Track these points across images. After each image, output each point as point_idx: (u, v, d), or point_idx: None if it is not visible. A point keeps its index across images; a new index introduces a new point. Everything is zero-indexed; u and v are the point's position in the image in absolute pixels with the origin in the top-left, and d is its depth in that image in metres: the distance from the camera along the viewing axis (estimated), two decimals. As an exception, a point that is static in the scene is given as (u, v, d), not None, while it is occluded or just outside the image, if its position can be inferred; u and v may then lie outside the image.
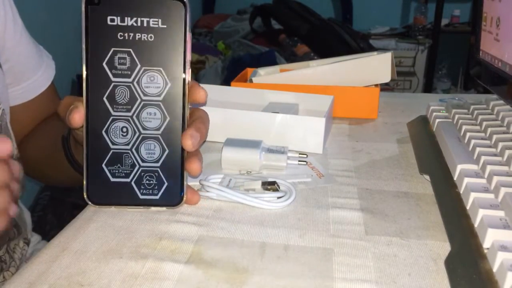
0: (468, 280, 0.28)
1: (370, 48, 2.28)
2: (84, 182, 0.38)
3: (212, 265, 0.33)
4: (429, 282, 0.31)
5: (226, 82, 1.88)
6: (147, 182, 0.39)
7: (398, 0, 2.97)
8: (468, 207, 0.35)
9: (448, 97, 0.71)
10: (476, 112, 0.51)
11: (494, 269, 0.28)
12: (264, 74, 0.74)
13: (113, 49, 0.37)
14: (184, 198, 0.39)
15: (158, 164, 0.38)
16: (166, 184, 0.39)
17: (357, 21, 2.81)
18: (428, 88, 2.50)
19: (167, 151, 0.38)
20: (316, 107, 0.61)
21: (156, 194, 0.39)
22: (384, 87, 1.00)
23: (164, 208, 0.39)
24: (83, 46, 0.37)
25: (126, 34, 0.37)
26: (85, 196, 0.39)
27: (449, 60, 2.68)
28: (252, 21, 2.46)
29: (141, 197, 0.39)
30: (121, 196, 0.39)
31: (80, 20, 0.36)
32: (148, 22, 0.37)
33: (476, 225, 0.33)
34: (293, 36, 2.26)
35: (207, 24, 2.74)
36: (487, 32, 0.54)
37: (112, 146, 0.38)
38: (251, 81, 0.69)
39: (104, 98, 0.37)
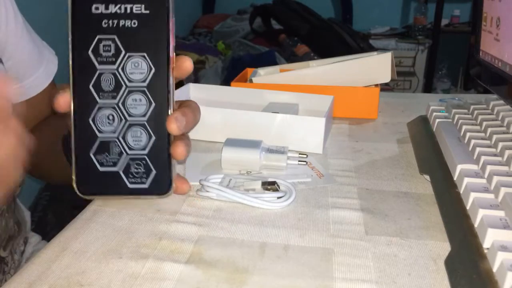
0: (468, 280, 0.28)
1: (370, 48, 2.28)
2: (73, 172, 0.38)
3: (212, 265, 0.33)
4: (429, 282, 0.31)
5: (226, 82, 1.88)
6: (135, 170, 0.38)
7: (398, 0, 2.97)
8: (468, 207, 0.35)
9: (448, 97, 0.71)
10: (476, 112, 0.51)
11: (494, 269, 0.28)
12: (264, 74, 0.74)
13: (98, 36, 0.37)
14: (173, 186, 0.39)
15: (146, 152, 0.38)
16: (154, 172, 0.38)
17: (357, 21, 2.81)
18: (428, 88, 2.50)
19: (153, 138, 0.38)
20: (316, 107, 0.61)
21: (145, 183, 0.38)
22: (384, 87, 1.00)
23: (153, 197, 0.39)
24: (69, 34, 0.37)
25: (110, 21, 0.37)
26: (74, 186, 0.38)
27: (449, 60, 2.68)
28: (252, 21, 2.46)
29: (130, 186, 0.38)
30: (110, 185, 0.38)
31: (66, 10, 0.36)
32: (131, 8, 0.37)
33: (476, 225, 0.33)
34: (293, 36, 2.26)
35: (207, 24, 2.74)
36: (487, 32, 0.54)
37: (99, 135, 0.38)
38: (251, 81, 0.69)
39: (90, 86, 0.37)
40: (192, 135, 0.54)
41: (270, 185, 0.42)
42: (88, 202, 0.41)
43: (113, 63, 0.37)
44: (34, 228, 0.69)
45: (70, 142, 0.38)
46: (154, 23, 0.37)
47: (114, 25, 0.37)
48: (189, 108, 0.39)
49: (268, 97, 0.63)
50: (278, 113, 0.54)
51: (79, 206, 0.41)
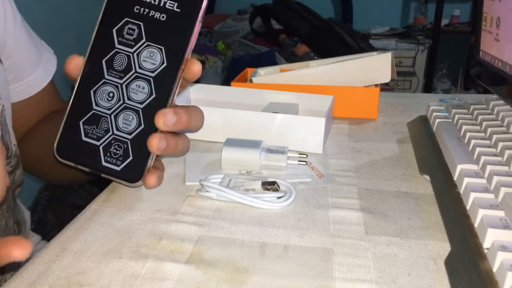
0: (468, 280, 0.28)
1: (370, 48, 2.28)
2: (58, 134, 0.39)
3: (212, 265, 0.33)
4: (429, 282, 0.31)
5: (226, 82, 1.88)
6: (114, 151, 0.39)
7: (398, 0, 2.97)
8: (468, 207, 0.35)
9: (448, 97, 0.71)
10: (476, 112, 0.51)
11: (494, 269, 0.28)
12: (264, 74, 0.74)
13: (126, 19, 0.39)
14: (142, 179, 0.39)
15: (130, 137, 0.39)
16: (130, 158, 0.39)
17: (357, 21, 2.81)
18: (428, 88, 2.50)
19: (142, 126, 0.39)
20: (316, 107, 0.61)
21: (118, 165, 0.39)
22: (384, 87, 1.00)
23: (122, 182, 0.39)
24: (102, 9, 0.39)
25: (142, 9, 0.39)
26: (54, 147, 0.39)
27: (449, 60, 2.68)
28: (252, 21, 2.45)
29: (104, 163, 0.39)
30: (86, 156, 0.39)
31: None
32: (165, 2, 0.38)
33: (476, 225, 0.33)
34: (293, 36, 2.26)
35: (207, 24, 2.73)
36: (487, 32, 0.54)
37: (94, 107, 0.39)
38: (251, 81, 0.69)
39: (103, 61, 0.39)
40: (192, 135, 0.54)
41: (270, 185, 0.42)
42: (88, 202, 0.42)
43: (132, 46, 0.39)
44: (34, 228, 0.69)
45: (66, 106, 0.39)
46: (181, 23, 0.38)
47: (144, 13, 0.39)
48: (185, 109, 0.39)
49: (268, 97, 0.63)
50: (278, 113, 0.54)
51: (79, 206, 0.41)
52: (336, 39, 2.16)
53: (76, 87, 0.39)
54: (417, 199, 0.42)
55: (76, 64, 0.39)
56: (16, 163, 0.55)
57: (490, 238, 0.30)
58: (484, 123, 0.47)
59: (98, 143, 0.39)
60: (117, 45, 0.39)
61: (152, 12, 0.38)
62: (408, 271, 0.32)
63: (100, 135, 0.39)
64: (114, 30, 0.39)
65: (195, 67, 0.39)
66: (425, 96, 0.86)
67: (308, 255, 0.34)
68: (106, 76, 0.39)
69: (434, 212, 0.40)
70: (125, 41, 0.39)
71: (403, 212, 0.40)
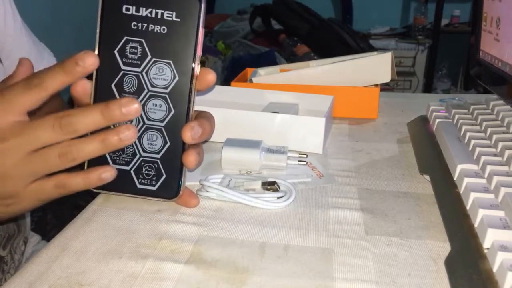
0: (468, 280, 0.28)
1: (370, 48, 2.28)
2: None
3: (212, 265, 0.33)
4: (429, 282, 0.31)
5: (226, 82, 1.88)
6: (146, 172, 0.39)
7: (398, 0, 2.97)
8: (468, 207, 0.35)
9: (448, 97, 0.71)
10: (476, 112, 0.51)
11: (494, 269, 0.28)
12: (264, 74, 0.74)
13: (125, 37, 0.37)
14: (181, 192, 0.39)
15: (159, 156, 0.39)
16: (164, 176, 0.39)
17: (357, 21, 2.81)
18: (428, 88, 2.50)
19: (168, 144, 0.38)
20: (316, 107, 0.61)
21: (154, 185, 0.39)
22: (384, 87, 1.00)
23: (160, 200, 0.40)
24: (97, 31, 0.37)
25: (139, 24, 0.37)
26: None
27: (449, 60, 2.68)
28: (252, 21, 2.46)
29: (139, 186, 0.39)
30: (120, 183, 0.39)
31: (96, 8, 0.36)
32: (162, 14, 0.37)
33: (476, 225, 0.33)
34: (293, 36, 2.26)
35: (207, 24, 2.72)
36: (487, 32, 0.54)
37: None
38: (251, 81, 0.69)
39: (113, 86, 0.38)
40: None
41: (270, 185, 0.42)
42: (88, 202, 0.42)
43: (138, 66, 0.37)
44: (34, 228, 0.69)
45: None
46: (183, 32, 0.37)
47: (143, 28, 0.37)
48: (207, 119, 0.39)
49: (268, 97, 0.63)
50: (278, 113, 0.54)
51: (79, 206, 0.41)
52: (336, 39, 2.16)
53: None
54: (417, 199, 0.42)
55: (83, 88, 0.37)
56: None
57: (490, 238, 0.30)
58: (484, 123, 0.47)
59: (128, 168, 0.38)
60: (122, 67, 0.37)
61: (152, 26, 0.37)
62: (408, 271, 0.32)
63: (128, 159, 0.38)
64: (116, 52, 0.37)
65: (209, 76, 0.38)
66: (425, 96, 0.86)
67: (308, 255, 0.34)
68: None
69: (434, 212, 0.40)
70: (130, 61, 0.37)
71: (403, 212, 0.40)
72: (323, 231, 0.37)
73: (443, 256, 0.33)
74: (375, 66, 0.68)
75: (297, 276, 0.32)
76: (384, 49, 2.34)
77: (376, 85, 0.68)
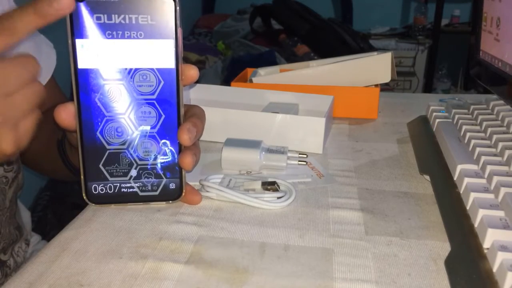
0: (468, 280, 0.28)
1: (370, 48, 2.28)
2: (82, 183, 0.38)
3: (212, 265, 0.33)
4: (429, 282, 0.31)
5: (226, 82, 1.88)
6: (146, 179, 0.39)
7: (398, 0, 2.97)
8: (468, 207, 0.35)
9: (448, 97, 0.71)
10: (476, 112, 0.51)
11: (494, 269, 0.28)
12: (264, 74, 0.74)
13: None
14: (183, 193, 0.39)
15: (156, 161, 0.38)
16: (164, 180, 0.39)
17: (357, 21, 2.81)
18: (428, 88, 2.50)
19: (164, 148, 0.38)
20: (316, 107, 0.61)
21: (156, 190, 0.39)
22: (384, 87, 1.00)
23: (163, 203, 0.40)
24: (69, 44, 0.35)
25: (114, 33, 0.35)
26: (84, 196, 0.38)
27: (449, 60, 2.68)
28: (252, 21, 2.45)
29: (141, 194, 0.39)
30: (121, 195, 0.39)
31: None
32: (136, 18, 0.35)
33: (476, 225, 0.33)
34: (293, 36, 2.26)
35: (207, 24, 2.73)
36: (487, 32, 0.54)
37: (108, 147, 0.38)
38: (251, 81, 0.69)
39: (96, 99, 0.36)
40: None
41: (270, 185, 0.42)
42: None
43: (120, 75, 0.36)
44: (34, 228, 0.69)
45: (67, 153, 0.37)
46: (161, 34, 0.36)
47: (119, 36, 0.35)
48: (198, 118, 0.39)
49: (268, 97, 0.63)
50: (278, 113, 0.54)
51: (79, 206, 0.41)
52: (336, 39, 2.16)
53: (79, 134, 0.37)
54: (417, 199, 0.42)
55: (68, 113, 0.36)
56: (18, 167, 0.56)
57: (490, 238, 0.30)
58: (484, 123, 0.47)
59: (127, 178, 0.38)
60: (104, 79, 0.36)
61: (128, 33, 0.35)
62: (408, 271, 0.32)
63: (125, 170, 0.38)
64: (94, 68, 0.35)
65: (191, 72, 0.38)
66: (425, 96, 0.86)
67: (308, 255, 0.34)
68: (107, 114, 0.37)
69: (434, 212, 0.40)
70: (111, 72, 0.36)
71: (403, 212, 0.40)
72: (323, 231, 0.37)
73: (443, 256, 0.33)
74: (375, 66, 0.68)
75: (297, 276, 0.32)
76: (384, 49, 2.34)
77: (376, 85, 0.68)
